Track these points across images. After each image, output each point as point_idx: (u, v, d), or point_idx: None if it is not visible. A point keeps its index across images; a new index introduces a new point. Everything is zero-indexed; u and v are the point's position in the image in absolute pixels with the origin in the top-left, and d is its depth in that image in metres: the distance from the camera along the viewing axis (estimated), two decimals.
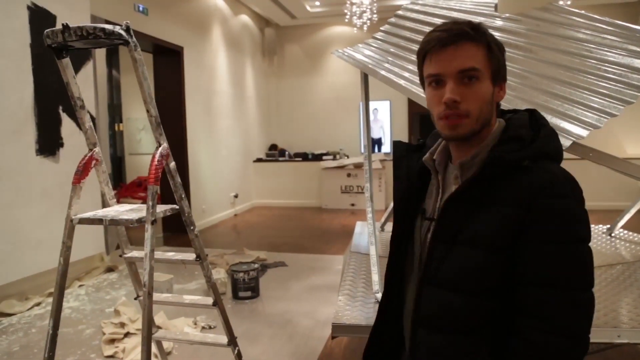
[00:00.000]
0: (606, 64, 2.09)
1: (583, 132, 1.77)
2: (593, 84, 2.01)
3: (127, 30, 1.54)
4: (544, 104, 1.99)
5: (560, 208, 0.90)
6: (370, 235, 2.37)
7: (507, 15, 2.67)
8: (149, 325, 1.51)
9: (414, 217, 1.10)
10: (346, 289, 2.09)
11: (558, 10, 2.62)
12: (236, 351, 1.99)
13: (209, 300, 1.89)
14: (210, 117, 7.30)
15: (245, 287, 3.93)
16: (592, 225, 3.55)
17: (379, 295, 1.97)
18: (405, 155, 1.14)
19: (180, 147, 6.36)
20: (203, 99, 7.03)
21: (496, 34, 2.54)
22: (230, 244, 6.01)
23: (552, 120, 1.88)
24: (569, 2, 6.65)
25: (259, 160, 9.22)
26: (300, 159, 9.28)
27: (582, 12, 2.60)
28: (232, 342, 1.96)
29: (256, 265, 4.11)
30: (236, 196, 8.13)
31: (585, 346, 0.89)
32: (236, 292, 3.94)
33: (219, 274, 4.16)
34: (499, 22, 2.67)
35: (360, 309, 1.88)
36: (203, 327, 3.36)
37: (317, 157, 9.20)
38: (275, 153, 9.45)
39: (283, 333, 3.30)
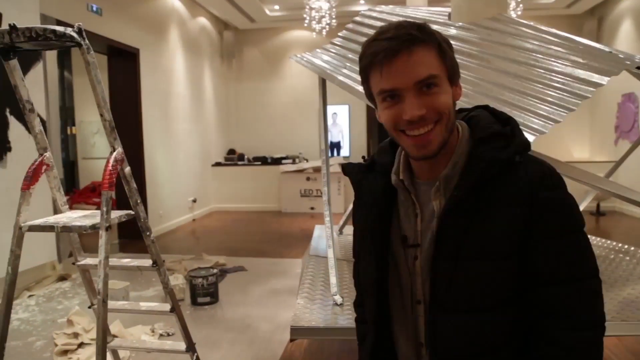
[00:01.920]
0: (552, 73, 2.20)
1: (530, 137, 1.85)
2: (540, 92, 2.11)
3: (80, 32, 1.51)
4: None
5: (559, 199, 0.87)
6: (328, 239, 2.40)
7: (461, 24, 2.76)
8: (104, 334, 1.48)
9: (388, 244, 0.98)
10: (305, 292, 2.11)
11: (508, 21, 2.73)
12: (195, 357, 1.96)
13: (167, 307, 1.86)
14: (168, 121, 7.17)
15: (204, 292, 3.88)
16: None
17: (337, 298, 1.99)
18: (362, 177, 1.03)
19: (136, 151, 6.21)
20: (160, 102, 6.91)
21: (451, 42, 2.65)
22: (188, 249, 5.92)
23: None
24: (519, 12, 6.93)
25: (217, 164, 9.12)
26: (259, 163, 9.24)
27: (530, 23, 2.72)
28: (191, 348, 1.94)
29: (215, 271, 4.06)
30: (194, 201, 8.01)
31: (604, 329, 0.88)
32: (195, 297, 3.88)
33: (177, 280, 4.09)
34: (453, 31, 2.76)
35: (318, 311, 1.90)
36: (161, 335, 3.30)
37: (277, 161, 9.19)
38: (234, 157, 9.38)
39: (243, 338, 3.28)
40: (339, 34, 3.33)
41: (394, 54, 0.84)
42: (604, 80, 1.96)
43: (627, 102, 7.68)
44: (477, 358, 0.88)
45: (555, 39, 2.50)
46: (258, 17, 9.07)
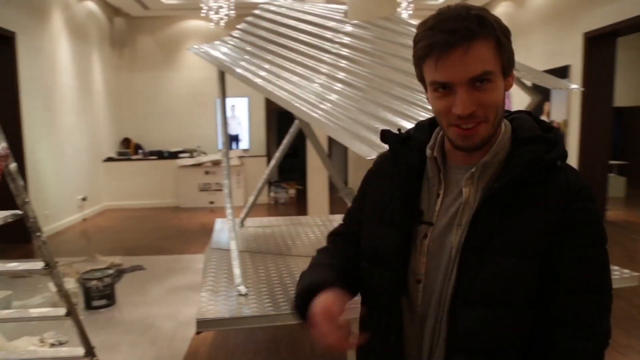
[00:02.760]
0: None
1: None
2: None
3: None
4: (386, 104, 2.21)
5: (594, 211, 0.89)
6: (231, 231, 2.41)
7: (356, 22, 2.89)
8: None
9: (416, 217, 0.96)
10: (208, 285, 2.11)
11: (399, 21, 2.91)
12: None
13: (62, 311, 1.77)
14: (52, 113, 6.62)
15: (100, 295, 3.68)
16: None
17: (242, 288, 2.02)
18: (399, 148, 1.01)
19: (15, 146, 5.64)
20: (42, 92, 6.35)
21: (346, 39, 2.76)
22: (79, 251, 5.54)
23: (394, 119, 2.10)
24: (410, 12, 7.35)
25: (109, 159, 8.60)
26: (155, 157, 8.88)
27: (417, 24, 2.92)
28: (90, 353, 1.86)
29: (111, 271, 3.87)
30: (84, 199, 7.49)
31: (609, 344, 0.89)
32: (89, 301, 3.67)
33: (69, 284, 3.83)
34: (348, 28, 2.88)
35: (223, 303, 1.91)
36: (52, 344, 3.07)
37: (173, 155, 8.90)
38: (128, 152, 8.90)
39: (144, 339, 3.18)
40: (238, 26, 3.31)
41: (450, 48, 0.83)
42: None
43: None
44: (491, 353, 0.89)
45: None
46: (152, 4, 8.65)
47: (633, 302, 3.61)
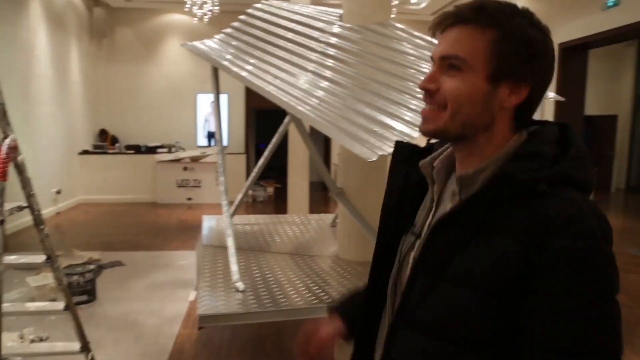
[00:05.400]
0: (422, 75, 2.47)
1: (407, 130, 2.06)
2: (411, 89, 2.36)
3: None
4: (371, 102, 2.28)
5: (582, 252, 0.69)
6: (227, 228, 2.43)
7: (350, 25, 2.94)
8: None
9: (398, 233, 0.90)
10: (207, 281, 2.13)
11: (392, 26, 2.98)
12: (90, 357, 1.88)
13: (60, 305, 1.76)
14: (27, 103, 6.45)
15: (81, 290, 3.63)
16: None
17: (239, 285, 2.05)
18: (406, 160, 0.92)
19: None
20: (17, 81, 6.19)
21: (333, 40, 2.81)
22: (54, 245, 5.41)
23: (379, 117, 2.16)
24: (393, 16, 7.44)
25: (85, 152, 8.43)
26: (132, 151, 8.75)
27: (408, 29, 2.99)
28: (85, 348, 1.86)
29: (92, 266, 3.83)
30: (59, 192, 7.33)
31: None
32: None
33: (47, 279, 3.76)
34: (337, 29, 2.93)
35: (223, 298, 1.94)
36: (32, 341, 3.01)
37: (151, 150, 8.79)
38: (104, 145, 8.74)
39: (128, 335, 3.16)
40: (233, 24, 3.33)
41: (441, 26, 0.81)
42: None
43: None
44: None
45: (426, 44, 2.79)
46: None
47: None
